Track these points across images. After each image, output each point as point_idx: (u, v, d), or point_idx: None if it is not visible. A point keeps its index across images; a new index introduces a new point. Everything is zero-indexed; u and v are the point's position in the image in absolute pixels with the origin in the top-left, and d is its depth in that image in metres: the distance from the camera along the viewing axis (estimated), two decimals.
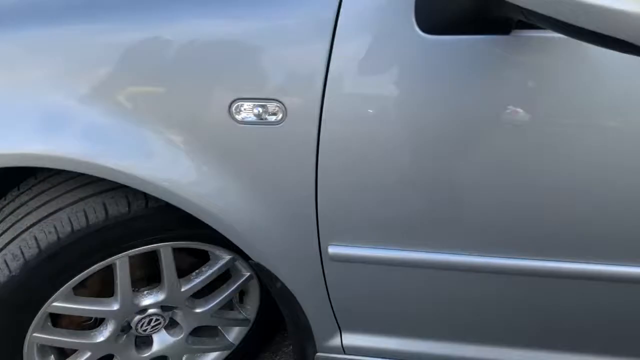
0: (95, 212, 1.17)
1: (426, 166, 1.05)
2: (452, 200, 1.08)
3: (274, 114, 1.03)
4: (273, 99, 1.02)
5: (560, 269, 1.11)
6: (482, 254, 1.13)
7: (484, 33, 0.95)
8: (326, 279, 1.21)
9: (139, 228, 1.21)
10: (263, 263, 1.21)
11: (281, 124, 1.04)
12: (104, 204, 1.17)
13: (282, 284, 1.23)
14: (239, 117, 1.04)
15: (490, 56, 0.97)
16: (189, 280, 1.34)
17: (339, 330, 1.32)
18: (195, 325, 1.44)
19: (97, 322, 1.38)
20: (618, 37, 0.73)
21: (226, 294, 1.41)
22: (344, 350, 1.35)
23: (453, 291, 1.21)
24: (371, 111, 1.02)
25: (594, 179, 1.02)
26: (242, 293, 1.50)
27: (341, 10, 0.99)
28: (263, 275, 1.24)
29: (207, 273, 1.35)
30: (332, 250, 1.16)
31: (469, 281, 1.18)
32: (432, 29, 0.96)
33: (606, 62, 0.95)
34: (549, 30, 0.84)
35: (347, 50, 0.99)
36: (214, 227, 1.15)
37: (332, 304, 1.26)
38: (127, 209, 1.18)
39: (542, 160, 1.02)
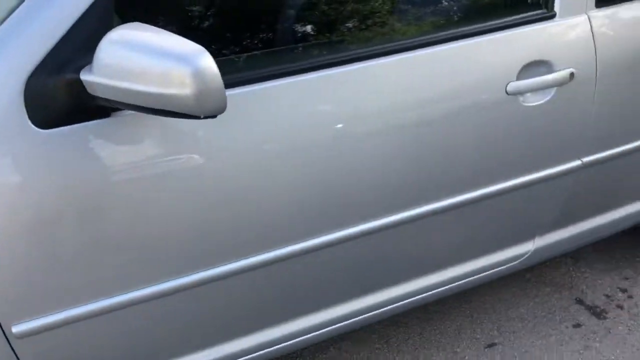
0: None
1: (74, 239, 1.24)
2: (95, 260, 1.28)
3: None
4: None
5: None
6: (147, 286, 1.35)
7: (89, 120, 1.17)
8: (18, 357, 1.31)
9: None
10: None
11: None
12: None
13: None
14: None
15: (97, 137, 1.19)
16: None
17: None
18: None
19: None
20: (170, 109, 1.06)
21: None
22: None
23: (134, 323, 1.40)
24: (11, 206, 1.16)
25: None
26: None
27: None
28: None
29: None
30: (16, 329, 1.27)
31: (151, 309, 1.39)
32: (46, 124, 1.14)
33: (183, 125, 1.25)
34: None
35: None
36: None
37: None
38: None
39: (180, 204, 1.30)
